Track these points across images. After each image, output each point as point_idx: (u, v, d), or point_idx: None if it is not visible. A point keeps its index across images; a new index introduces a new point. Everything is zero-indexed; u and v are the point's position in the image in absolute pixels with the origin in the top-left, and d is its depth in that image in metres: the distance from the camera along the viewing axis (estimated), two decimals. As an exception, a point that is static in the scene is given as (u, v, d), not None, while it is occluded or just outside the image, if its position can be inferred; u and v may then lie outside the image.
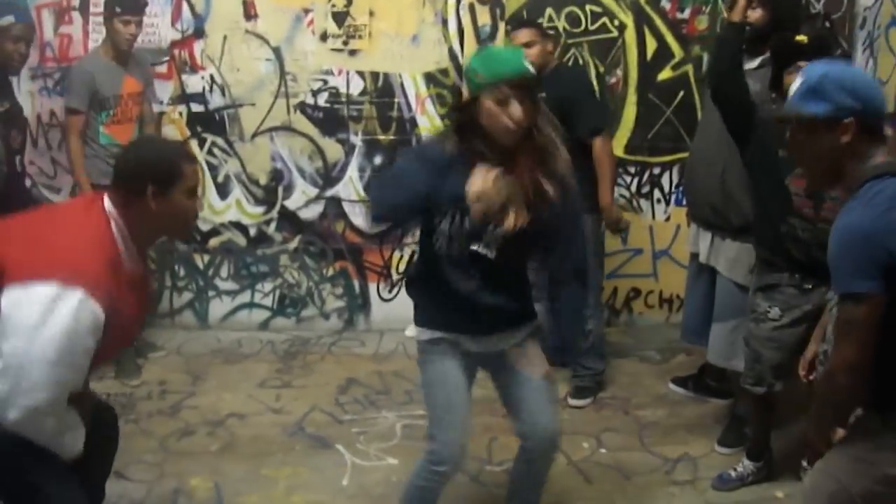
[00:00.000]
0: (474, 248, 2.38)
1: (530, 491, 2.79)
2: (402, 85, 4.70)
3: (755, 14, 3.44)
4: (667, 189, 4.99)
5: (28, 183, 4.56)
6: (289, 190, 4.79)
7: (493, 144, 2.31)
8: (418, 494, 2.64)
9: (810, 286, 3.05)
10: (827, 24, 4.96)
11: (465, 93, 2.38)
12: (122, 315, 2.12)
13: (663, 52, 4.86)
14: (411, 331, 4.50)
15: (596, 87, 4.28)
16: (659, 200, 5.02)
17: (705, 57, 4.86)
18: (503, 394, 2.69)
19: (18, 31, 3.45)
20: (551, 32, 4.30)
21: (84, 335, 2.02)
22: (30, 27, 3.55)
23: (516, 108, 2.25)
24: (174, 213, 2.24)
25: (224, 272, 4.87)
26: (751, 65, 3.48)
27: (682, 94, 4.89)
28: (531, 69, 2.32)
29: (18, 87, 4.44)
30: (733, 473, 3.36)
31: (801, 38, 3.04)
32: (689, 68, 4.88)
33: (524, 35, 3.90)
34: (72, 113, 3.96)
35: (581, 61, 4.75)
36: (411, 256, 4.77)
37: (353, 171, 4.77)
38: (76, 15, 4.52)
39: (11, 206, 3.03)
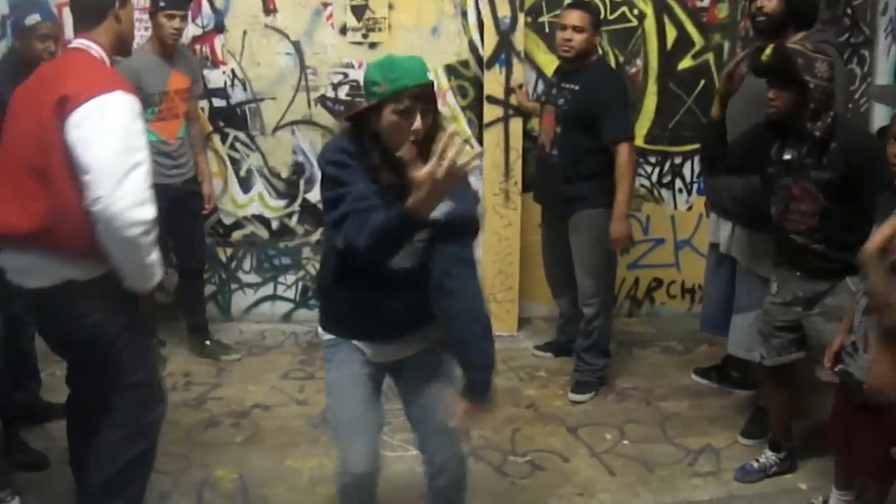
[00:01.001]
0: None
1: None
2: (422, 77, 4.67)
3: (771, 4, 3.40)
4: (688, 178, 4.96)
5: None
6: (310, 183, 4.79)
7: (389, 155, 2.20)
8: (341, 499, 2.57)
9: (799, 274, 3.05)
10: (848, 11, 4.90)
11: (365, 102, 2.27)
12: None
13: (683, 41, 4.82)
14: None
15: (627, 93, 4.11)
16: (680, 190, 4.98)
17: (726, 45, 4.82)
18: (406, 410, 2.62)
19: (46, 30, 3.45)
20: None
21: (134, 119, 2.38)
22: (57, 25, 3.54)
23: (418, 121, 2.16)
24: (130, 22, 2.62)
25: (247, 265, 4.89)
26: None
27: (702, 82, 4.84)
28: (430, 78, 2.21)
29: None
30: (756, 465, 3.33)
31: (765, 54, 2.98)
32: (710, 56, 4.83)
33: (577, 18, 3.79)
34: None
35: (601, 51, 4.71)
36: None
37: (373, 164, 4.75)
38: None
39: None
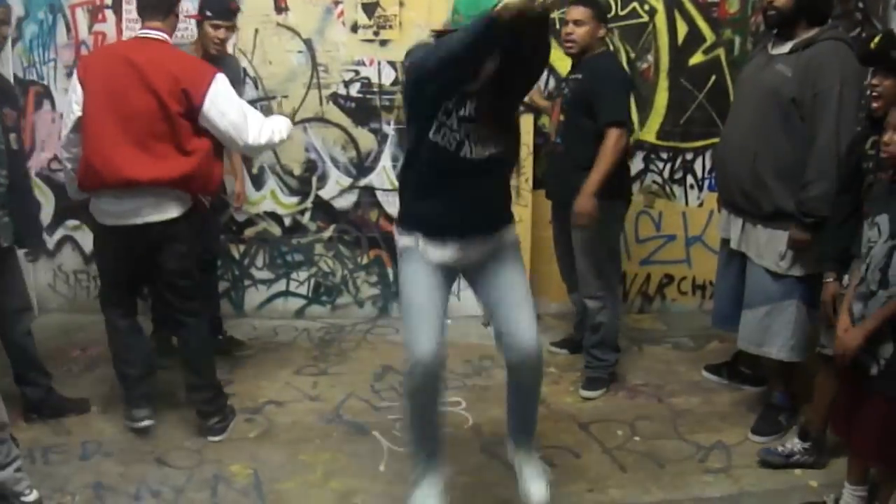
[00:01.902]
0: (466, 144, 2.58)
1: (525, 407, 2.89)
2: (433, 74, 4.67)
3: None
4: (700, 175, 4.93)
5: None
6: (323, 180, 4.80)
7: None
8: (412, 393, 2.71)
9: None
10: (860, 5, 4.86)
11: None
12: None
13: (694, 37, 4.79)
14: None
15: (630, 83, 4.10)
16: (692, 186, 4.96)
17: (737, 40, 4.79)
18: (485, 304, 2.85)
19: (2, 15, 3.50)
20: (607, 13, 4.10)
21: (230, 85, 3.32)
22: (9, 9, 3.58)
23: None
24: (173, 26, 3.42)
25: (259, 261, 4.90)
26: (782, 50, 3.42)
27: (714, 78, 4.82)
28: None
29: (54, 83, 4.51)
30: (780, 449, 3.33)
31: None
32: (721, 52, 4.81)
33: (577, 12, 3.83)
34: None
35: (612, 47, 4.69)
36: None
37: (385, 161, 4.76)
38: (109, 13, 4.55)
39: (14, 186, 3.30)
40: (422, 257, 2.70)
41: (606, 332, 4.03)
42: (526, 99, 4.46)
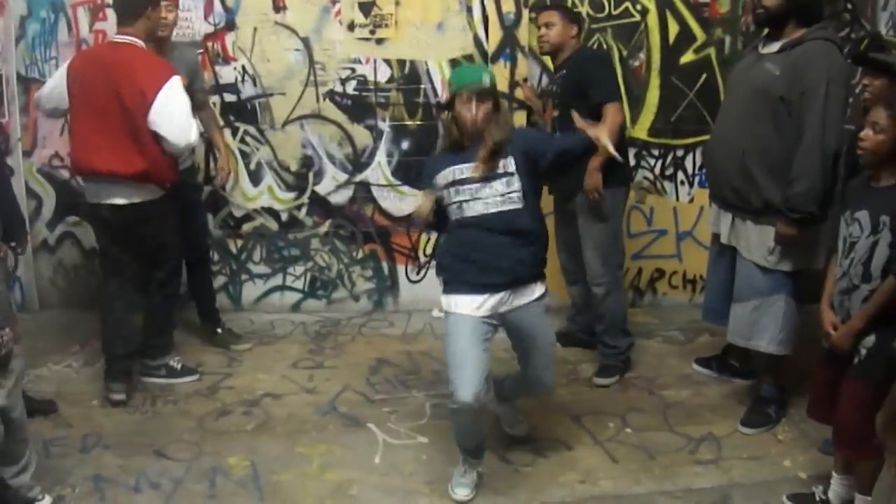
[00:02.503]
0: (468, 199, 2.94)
1: (525, 394, 3.40)
2: (427, 72, 4.68)
3: None
4: (690, 171, 4.93)
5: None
6: (319, 176, 4.79)
7: (463, 130, 2.96)
8: (456, 429, 3.07)
9: None
10: (849, 6, 4.86)
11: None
12: None
13: (685, 36, 4.78)
14: (437, 312, 4.56)
15: (618, 71, 4.24)
16: (682, 182, 4.95)
17: (727, 40, 4.78)
18: (516, 349, 3.17)
19: None
20: (577, 14, 4.17)
21: (182, 90, 3.50)
22: None
23: (473, 107, 2.90)
24: (160, 21, 3.66)
25: (256, 256, 4.89)
26: (771, 49, 3.42)
27: (704, 76, 4.81)
28: (486, 82, 2.94)
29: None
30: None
31: None
32: (712, 51, 4.80)
33: (544, 16, 3.99)
34: None
35: (605, 46, 4.69)
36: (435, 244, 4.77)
37: (381, 157, 4.76)
38: (110, 12, 4.49)
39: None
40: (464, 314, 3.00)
41: (614, 318, 4.06)
42: (520, 96, 4.52)
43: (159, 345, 4.00)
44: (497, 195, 2.91)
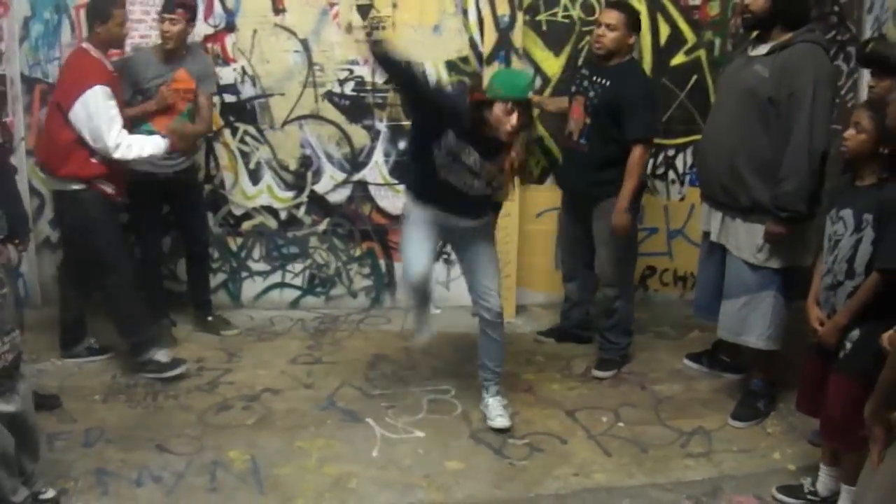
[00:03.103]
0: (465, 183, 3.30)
1: (492, 349, 3.59)
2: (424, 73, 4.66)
3: (757, 2, 3.39)
4: (681, 170, 4.93)
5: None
6: (317, 175, 4.78)
7: (488, 132, 3.16)
8: (408, 293, 3.63)
9: None
10: (836, 9, 4.87)
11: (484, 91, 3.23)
12: (116, 88, 3.74)
13: (676, 38, 4.79)
14: (434, 309, 4.57)
15: (655, 94, 4.08)
16: (673, 181, 4.96)
17: (717, 42, 4.79)
18: (462, 268, 3.64)
19: None
20: (639, 21, 4.05)
21: (108, 99, 3.62)
22: None
23: (514, 118, 3.08)
24: (112, 35, 3.75)
25: (256, 254, 4.88)
26: (759, 51, 3.43)
27: (695, 78, 4.81)
28: (530, 95, 3.17)
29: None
30: None
31: None
32: (702, 53, 4.81)
33: (611, 16, 3.84)
34: None
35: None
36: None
37: (378, 156, 4.75)
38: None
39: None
40: (420, 216, 3.43)
41: (621, 318, 4.09)
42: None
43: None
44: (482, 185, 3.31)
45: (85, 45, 3.74)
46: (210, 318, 4.53)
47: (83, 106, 3.58)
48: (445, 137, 3.22)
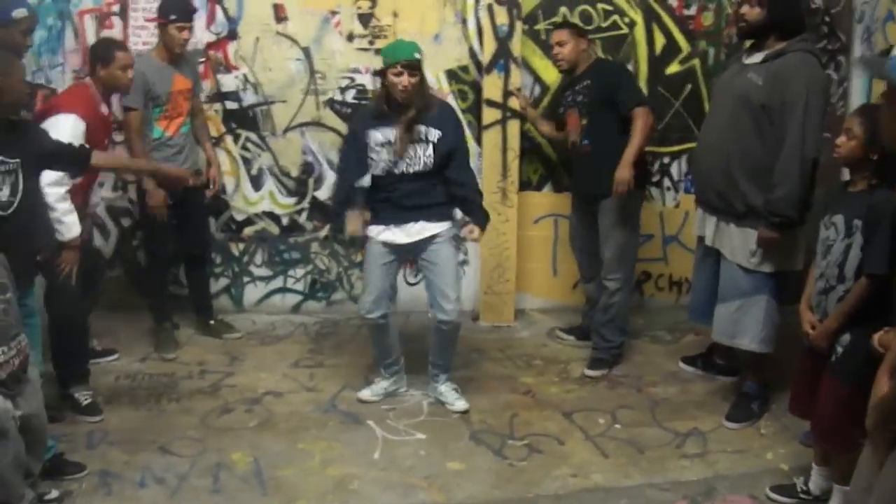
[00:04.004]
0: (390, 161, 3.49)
1: (446, 348, 3.75)
2: (424, 82, 4.69)
3: (752, 12, 3.41)
4: (676, 177, 4.96)
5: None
6: (319, 181, 4.79)
7: (392, 100, 3.44)
8: (369, 337, 3.85)
9: None
10: (826, 19, 4.90)
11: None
12: (98, 132, 3.56)
13: (671, 48, 4.83)
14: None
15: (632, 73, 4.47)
16: (668, 188, 4.98)
17: (711, 51, 4.82)
18: (425, 280, 3.72)
19: (29, 23, 3.48)
20: (586, 30, 4.34)
21: (74, 132, 3.36)
22: (35, 17, 3.61)
23: (403, 79, 3.37)
24: (114, 79, 3.66)
25: (258, 259, 4.89)
26: (754, 59, 3.46)
27: (689, 86, 4.85)
28: (416, 56, 3.39)
29: (62, 86, 4.50)
30: None
31: None
32: (696, 62, 4.84)
33: (557, 35, 4.13)
34: (129, 110, 4.02)
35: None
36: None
37: (378, 164, 4.76)
38: (116, 20, 4.53)
39: None
40: (378, 249, 3.64)
41: (618, 313, 4.12)
42: (517, 105, 4.55)
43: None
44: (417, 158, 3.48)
45: (88, 80, 3.71)
46: (212, 322, 4.55)
47: (51, 125, 3.32)
48: (370, 139, 3.50)
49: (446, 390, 3.78)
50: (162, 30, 4.06)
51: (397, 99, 3.42)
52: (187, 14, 4.07)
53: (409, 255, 3.71)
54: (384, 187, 3.54)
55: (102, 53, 3.64)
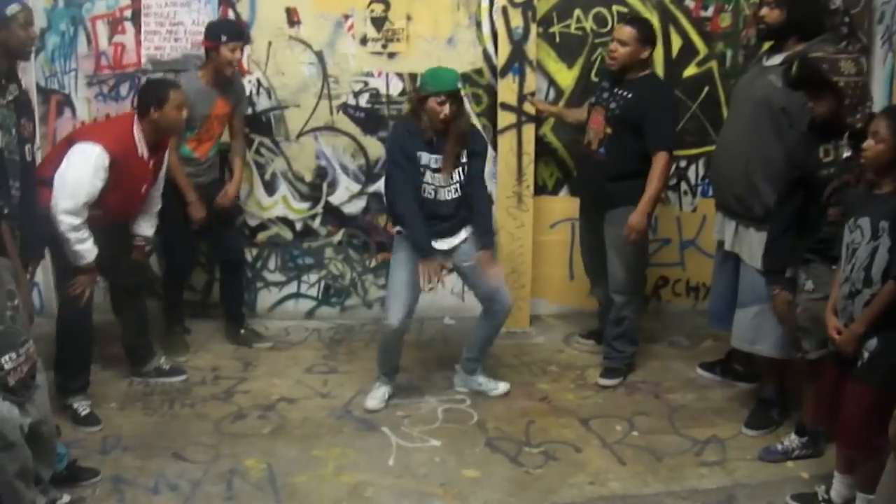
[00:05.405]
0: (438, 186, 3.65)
1: (491, 338, 3.93)
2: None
3: (772, 14, 3.39)
4: (693, 181, 4.93)
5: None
6: (333, 186, 4.80)
7: (430, 126, 3.56)
8: (382, 343, 3.86)
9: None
10: (846, 20, 4.87)
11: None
12: (130, 173, 3.50)
13: (688, 50, 4.79)
14: (448, 319, 4.58)
15: (677, 105, 4.24)
16: (686, 192, 4.95)
17: (729, 53, 4.80)
18: (467, 283, 3.97)
19: (26, 17, 3.46)
20: (653, 35, 4.02)
21: (96, 168, 3.36)
22: (31, 11, 3.56)
23: (446, 108, 3.49)
24: (168, 121, 3.56)
25: (272, 264, 4.89)
26: (773, 61, 3.44)
27: (707, 89, 4.81)
28: (459, 86, 3.56)
29: (75, 92, 4.53)
30: (779, 447, 3.35)
31: None
32: (714, 64, 4.81)
33: (622, 32, 3.88)
34: None
35: (607, 60, 4.69)
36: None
37: (393, 168, 4.76)
38: (129, 25, 4.55)
39: (24, 198, 3.23)
40: (408, 249, 3.65)
41: (629, 326, 4.08)
42: (533, 109, 4.53)
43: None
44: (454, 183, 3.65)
45: (134, 115, 3.60)
46: (243, 331, 4.53)
47: (76, 151, 3.37)
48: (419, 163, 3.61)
49: (485, 380, 3.95)
50: (212, 53, 4.04)
51: (437, 125, 3.54)
52: (239, 33, 4.08)
53: (441, 260, 3.74)
54: (422, 204, 3.65)
55: (157, 94, 3.53)
